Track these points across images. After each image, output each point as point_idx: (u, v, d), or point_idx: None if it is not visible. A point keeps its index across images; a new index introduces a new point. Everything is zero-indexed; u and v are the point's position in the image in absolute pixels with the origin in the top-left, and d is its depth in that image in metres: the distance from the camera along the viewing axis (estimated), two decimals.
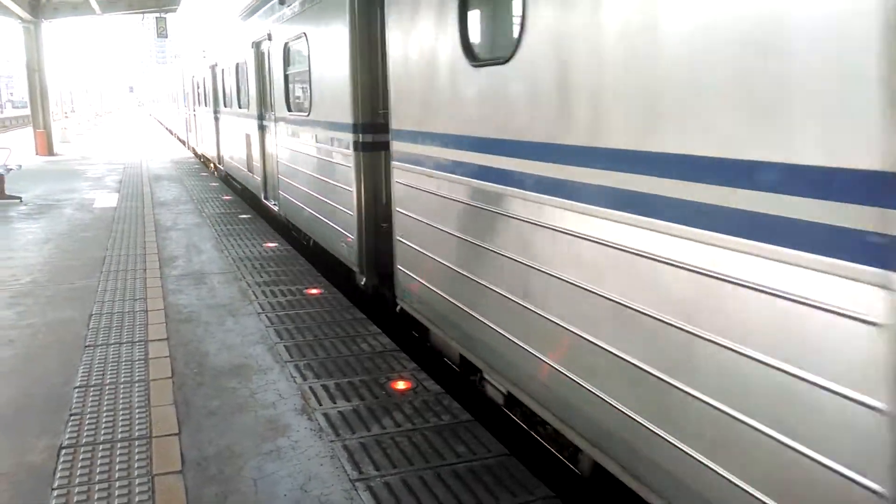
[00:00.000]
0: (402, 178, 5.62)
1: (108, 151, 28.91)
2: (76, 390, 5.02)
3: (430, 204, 5.07)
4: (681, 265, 2.69)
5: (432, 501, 3.63)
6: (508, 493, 3.71)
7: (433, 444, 4.23)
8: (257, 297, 7.36)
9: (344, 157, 7.28)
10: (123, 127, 55.66)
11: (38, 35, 25.41)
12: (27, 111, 30.90)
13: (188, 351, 5.82)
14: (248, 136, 13.24)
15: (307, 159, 8.87)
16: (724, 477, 2.56)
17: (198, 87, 21.62)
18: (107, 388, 5.06)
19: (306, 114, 8.65)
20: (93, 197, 15.23)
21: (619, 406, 3.12)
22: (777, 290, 2.29)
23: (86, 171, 20.80)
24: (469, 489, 3.75)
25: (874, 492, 2.01)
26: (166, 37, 29.40)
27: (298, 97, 9.69)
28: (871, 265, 1.99)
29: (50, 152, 26.28)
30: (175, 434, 4.37)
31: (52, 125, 27.06)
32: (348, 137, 7.08)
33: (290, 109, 9.65)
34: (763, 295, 2.34)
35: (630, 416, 3.05)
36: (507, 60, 3.86)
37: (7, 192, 14.45)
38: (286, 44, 9.65)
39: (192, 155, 26.45)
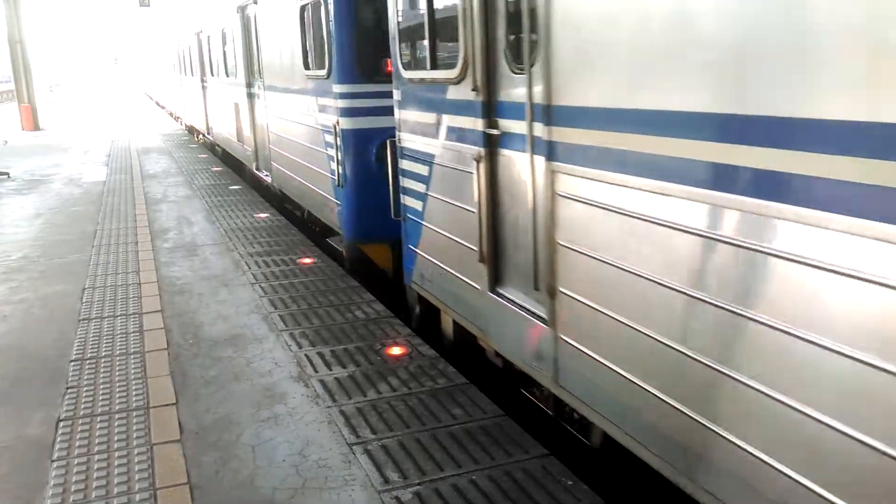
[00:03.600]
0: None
1: (95, 125, 28.58)
2: (72, 363, 5.04)
3: None
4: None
5: (429, 462, 3.68)
6: (504, 453, 3.76)
7: (429, 407, 4.27)
8: (250, 268, 7.35)
9: None
10: (109, 100, 54.97)
11: (18, 6, 24.92)
12: (11, 86, 30.38)
13: (183, 322, 5.83)
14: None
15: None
16: None
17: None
18: (102, 360, 5.08)
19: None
20: (81, 171, 15.10)
21: None
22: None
23: (73, 146, 20.59)
24: (465, 449, 3.80)
25: None
26: (148, 5, 28.86)
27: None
28: None
29: (35, 127, 25.97)
30: (172, 404, 4.40)
31: (37, 99, 26.69)
32: None
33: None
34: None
35: None
36: None
37: None
38: None
39: (182, 127, 26.17)
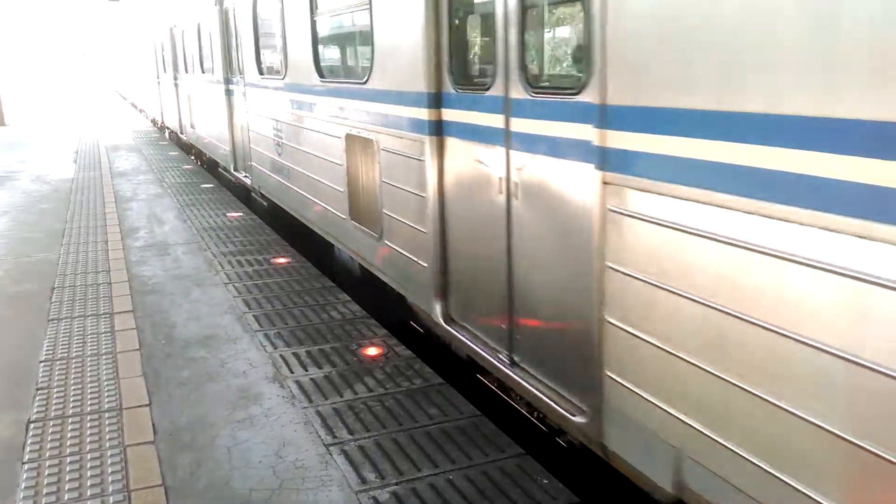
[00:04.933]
0: None
1: (62, 121, 28.05)
2: (42, 364, 4.95)
3: None
4: None
5: (406, 462, 3.70)
6: (480, 452, 3.79)
7: (406, 408, 4.29)
8: (223, 268, 7.29)
9: None
10: (77, 96, 54.01)
11: None
12: None
13: (155, 322, 5.76)
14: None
15: None
16: None
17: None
18: (73, 361, 5.00)
19: None
20: (48, 168, 14.82)
21: None
22: None
23: (39, 142, 20.18)
24: (442, 449, 3.82)
25: None
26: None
27: None
28: None
29: (0, 122, 25.41)
30: (146, 405, 4.36)
31: (1, 94, 26.12)
32: None
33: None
34: None
35: None
36: None
37: None
38: None
39: (152, 124, 25.81)
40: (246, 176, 10.55)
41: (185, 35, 14.61)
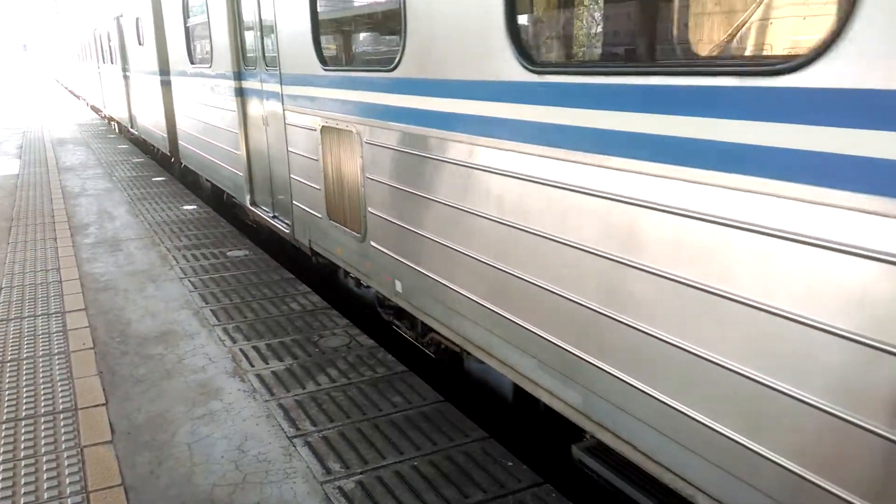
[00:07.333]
0: None
1: (4, 115, 27.07)
2: None
3: None
4: None
5: (370, 451, 3.70)
6: (445, 437, 3.81)
7: (369, 397, 4.28)
8: (178, 262, 7.15)
9: None
10: (19, 90, 52.17)
11: None
12: None
13: (109, 320, 5.63)
14: None
15: None
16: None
17: None
18: (24, 362, 4.86)
19: None
20: None
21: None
22: None
23: None
24: (406, 436, 3.83)
25: None
26: None
27: None
28: None
29: None
30: (102, 404, 4.26)
31: None
32: None
33: None
34: None
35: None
36: None
37: None
38: None
39: (97, 116, 25.09)
40: None
41: None
